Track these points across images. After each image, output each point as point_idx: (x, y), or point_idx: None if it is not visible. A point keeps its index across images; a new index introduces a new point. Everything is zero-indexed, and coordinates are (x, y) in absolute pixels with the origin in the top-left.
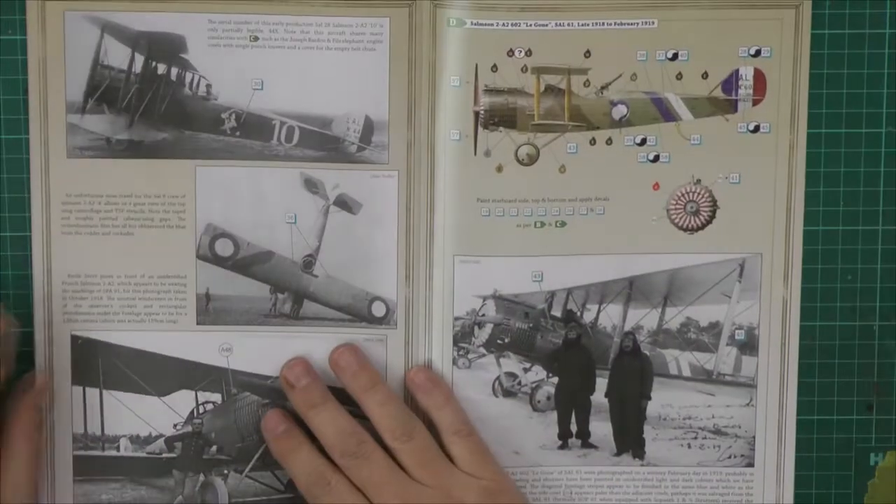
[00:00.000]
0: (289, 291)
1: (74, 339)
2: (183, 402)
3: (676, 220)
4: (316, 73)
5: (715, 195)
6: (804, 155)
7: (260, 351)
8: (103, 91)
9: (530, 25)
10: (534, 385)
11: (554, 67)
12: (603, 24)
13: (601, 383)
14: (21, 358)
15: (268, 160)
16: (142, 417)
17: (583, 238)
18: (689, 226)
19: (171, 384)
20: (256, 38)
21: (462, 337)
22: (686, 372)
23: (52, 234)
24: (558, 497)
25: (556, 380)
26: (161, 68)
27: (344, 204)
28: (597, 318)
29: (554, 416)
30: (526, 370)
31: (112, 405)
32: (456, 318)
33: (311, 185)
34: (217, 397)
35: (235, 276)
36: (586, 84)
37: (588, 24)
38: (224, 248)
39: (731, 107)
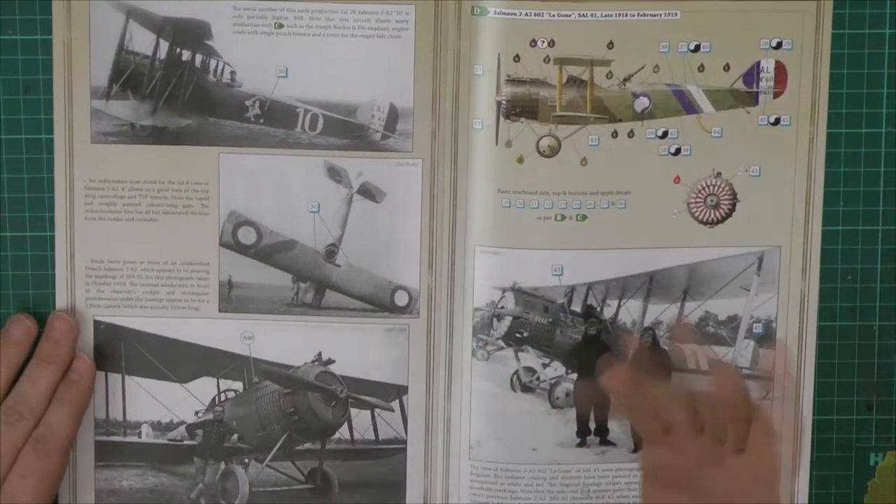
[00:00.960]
0: (311, 280)
1: (97, 324)
2: (204, 389)
3: (697, 214)
4: (340, 60)
5: (735, 188)
6: (824, 148)
7: (282, 340)
8: (128, 77)
9: (553, 16)
10: (553, 381)
11: (576, 58)
12: (626, 14)
13: None
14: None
15: (291, 148)
16: (163, 404)
17: (604, 232)
18: (710, 219)
19: (192, 371)
20: (281, 25)
21: (481, 328)
22: (704, 366)
23: (76, 220)
24: (576, 495)
25: (575, 376)
26: (185, 55)
27: (367, 192)
28: (616, 314)
29: (572, 413)
30: (545, 365)
31: (134, 391)
32: (475, 309)
33: (335, 174)
34: (239, 385)
35: (258, 264)
36: (609, 76)
37: (611, 15)
38: (247, 235)
39: (752, 99)
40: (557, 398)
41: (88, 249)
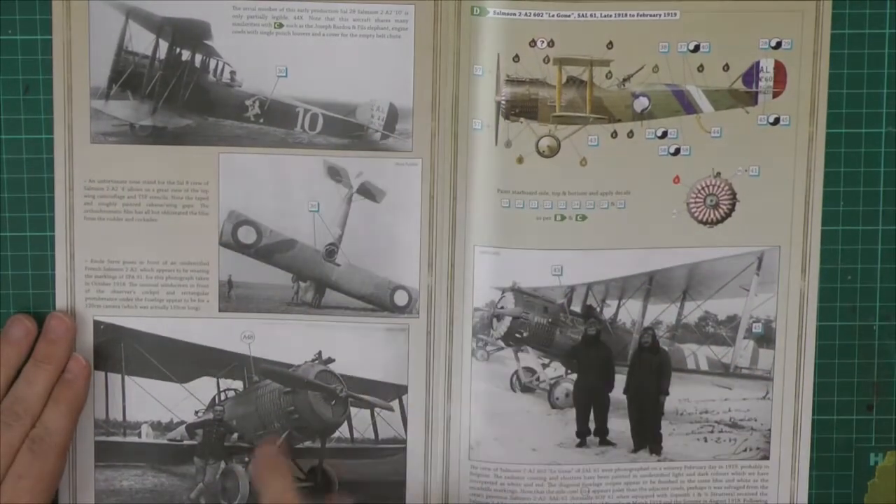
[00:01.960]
0: (311, 280)
1: (97, 324)
2: (204, 388)
3: (696, 214)
4: (340, 60)
5: (735, 188)
6: (823, 147)
7: (282, 339)
8: (127, 77)
9: (553, 16)
10: (552, 381)
11: (576, 58)
12: (625, 15)
13: (620, 380)
14: None
15: (291, 147)
16: (163, 404)
17: (603, 232)
18: (709, 219)
19: (192, 371)
20: (281, 25)
21: (480, 329)
22: (703, 366)
23: (76, 220)
24: (576, 495)
25: (574, 376)
26: (185, 55)
27: (367, 192)
28: (616, 314)
29: (572, 413)
30: (545, 366)
31: (134, 391)
32: (475, 310)
33: (335, 173)
34: (238, 384)
35: (258, 263)
36: (608, 76)
37: (610, 15)
38: (247, 235)
39: (751, 99)
40: (557, 398)
41: (88, 249)
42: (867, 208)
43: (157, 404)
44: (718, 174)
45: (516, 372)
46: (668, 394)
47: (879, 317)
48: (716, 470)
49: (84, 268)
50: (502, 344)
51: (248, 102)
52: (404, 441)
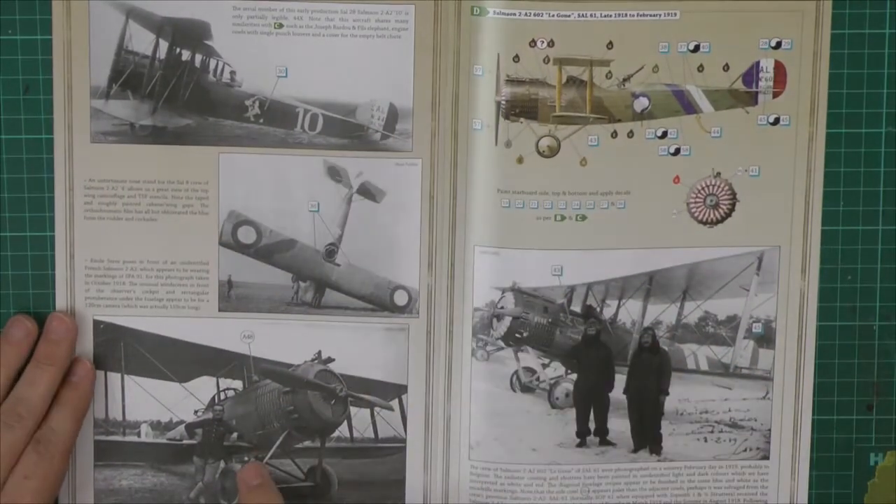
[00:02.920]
0: (311, 280)
1: (96, 323)
2: (204, 388)
3: (696, 214)
4: (340, 60)
5: (735, 188)
6: (824, 147)
7: (281, 339)
8: (127, 77)
9: (553, 16)
10: (552, 381)
11: (576, 59)
12: (625, 15)
13: (620, 380)
14: None
15: (291, 148)
16: (163, 403)
17: (603, 232)
18: (709, 219)
19: (192, 370)
20: (281, 25)
21: (480, 328)
22: (703, 366)
23: (76, 220)
24: (575, 495)
25: (574, 376)
26: (185, 54)
27: (367, 192)
28: (616, 314)
29: (572, 413)
30: (545, 366)
31: (133, 390)
32: (475, 310)
33: (335, 173)
34: (238, 384)
35: (258, 263)
36: (608, 76)
37: (610, 15)
38: (246, 235)
39: (751, 99)
40: (557, 398)
41: (88, 249)
42: (867, 208)
43: (157, 404)
44: (718, 174)
45: (516, 372)
46: (668, 394)
47: (879, 317)
48: (716, 470)
49: (84, 267)
50: (502, 344)
51: (247, 102)
52: (404, 441)
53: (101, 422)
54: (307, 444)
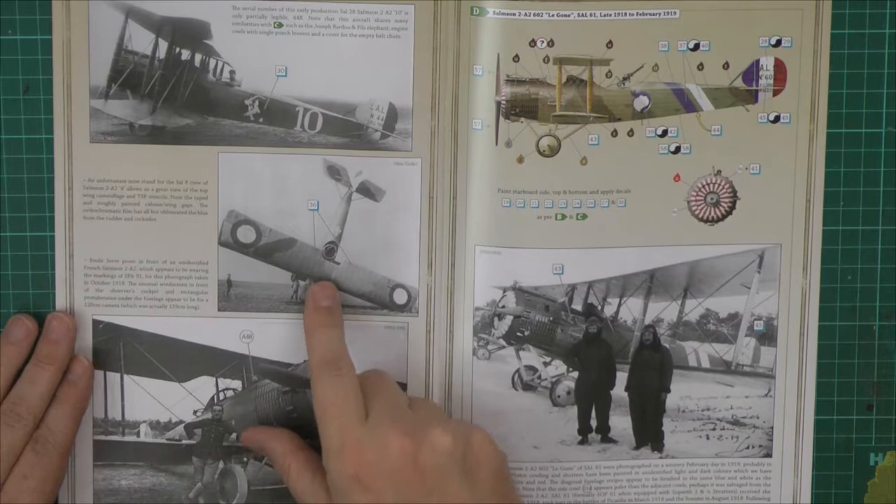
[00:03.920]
0: (311, 279)
1: (96, 323)
2: (203, 388)
3: (697, 212)
4: (340, 59)
5: (735, 186)
6: (824, 145)
7: (281, 338)
8: (127, 76)
9: (552, 15)
10: (554, 379)
11: (576, 58)
12: (625, 14)
13: (621, 377)
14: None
15: (291, 147)
16: (162, 403)
17: (604, 231)
18: (710, 217)
19: (191, 370)
20: (280, 25)
21: (482, 328)
22: (705, 363)
23: (75, 220)
24: (578, 492)
25: (576, 374)
26: (185, 54)
27: (367, 191)
28: (617, 312)
29: (574, 410)
30: (546, 364)
31: (132, 390)
32: (476, 309)
33: (334, 172)
34: (237, 384)
35: (257, 262)
36: (608, 75)
37: (610, 15)
38: (246, 234)
39: (751, 97)
40: (559, 396)
41: (87, 249)
42: (867, 208)
43: (156, 403)
44: (719, 172)
45: (518, 370)
46: (669, 391)
47: (879, 317)
48: (718, 467)
49: (83, 267)
50: (504, 343)
51: (247, 102)
52: None
53: (100, 421)
54: (307, 443)
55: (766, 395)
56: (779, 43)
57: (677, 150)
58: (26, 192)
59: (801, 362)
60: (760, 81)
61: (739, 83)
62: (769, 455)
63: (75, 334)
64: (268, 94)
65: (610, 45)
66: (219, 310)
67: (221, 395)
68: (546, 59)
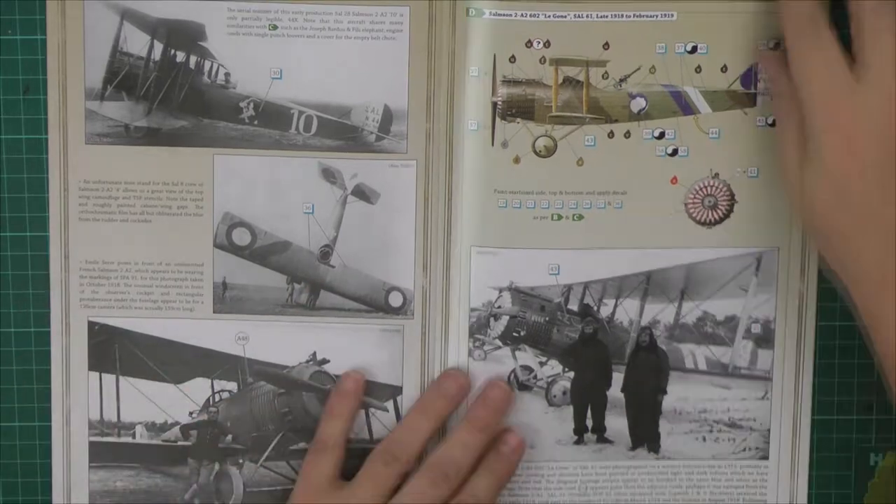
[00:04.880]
0: (305, 282)
1: (91, 324)
2: (199, 389)
3: (694, 215)
4: (335, 62)
5: (733, 189)
6: None
7: (276, 340)
8: (122, 78)
9: (549, 16)
10: (550, 379)
11: (572, 59)
12: (622, 15)
13: (617, 378)
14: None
15: (286, 149)
16: (157, 404)
17: (600, 232)
18: (707, 220)
19: (187, 372)
20: (275, 27)
21: (478, 329)
22: (702, 366)
23: (70, 221)
24: (573, 492)
25: (572, 374)
26: (180, 56)
27: (362, 194)
28: (613, 313)
29: (570, 410)
30: (542, 364)
31: (128, 392)
32: (472, 310)
33: (329, 175)
34: (233, 386)
35: (252, 265)
36: (605, 76)
37: (607, 16)
38: (241, 237)
39: (749, 100)
40: (554, 396)
41: (83, 250)
42: None
43: (152, 405)
44: (717, 175)
45: (514, 370)
46: (666, 393)
47: None
48: (715, 469)
49: (79, 268)
50: (500, 343)
51: (242, 104)
52: None
53: (95, 423)
54: (302, 445)
55: (762, 398)
56: (777, 46)
57: (674, 152)
58: (26, 192)
59: (798, 365)
60: (759, 85)
61: (737, 86)
62: (766, 458)
63: (512, 404)
64: (263, 96)
65: (607, 46)
66: (214, 312)
67: (217, 397)
68: (542, 60)
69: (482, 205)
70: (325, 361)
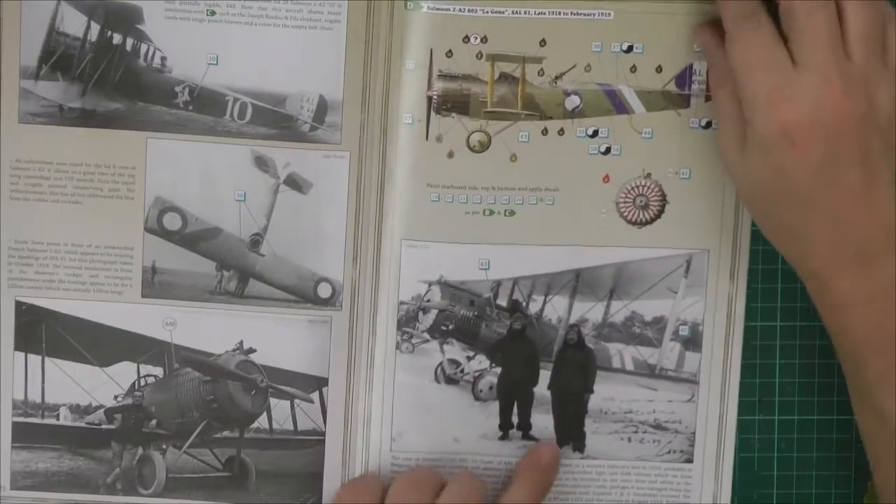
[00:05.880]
0: (234, 269)
1: (19, 304)
2: (125, 373)
3: (625, 214)
4: (272, 50)
5: (665, 189)
6: None
7: (203, 327)
8: (58, 58)
9: (487, 12)
10: (476, 374)
11: (509, 55)
12: (559, 13)
13: (544, 375)
14: None
15: (219, 136)
16: (83, 387)
17: (531, 228)
18: (638, 220)
19: (113, 355)
20: (213, 13)
21: (406, 322)
22: (629, 366)
23: (2, 199)
24: (497, 487)
25: (499, 370)
26: (116, 38)
27: (294, 183)
28: (542, 310)
29: (496, 406)
30: (469, 358)
31: (53, 373)
32: (401, 303)
33: (262, 163)
34: (159, 371)
35: (182, 250)
36: (540, 73)
37: (544, 13)
38: (172, 221)
39: (683, 101)
40: (481, 391)
41: (12, 229)
42: None
43: (77, 387)
44: (649, 175)
45: (441, 364)
46: (592, 392)
47: None
48: (639, 470)
49: (8, 248)
50: (428, 336)
51: (177, 89)
52: (323, 434)
53: (19, 403)
54: (226, 434)
55: (689, 401)
56: None
57: (607, 150)
58: None
59: (725, 369)
60: (693, 86)
61: (672, 87)
62: (690, 461)
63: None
64: (198, 81)
65: (543, 43)
66: (142, 296)
67: (143, 382)
68: (479, 56)
69: (414, 198)
70: (251, 350)
